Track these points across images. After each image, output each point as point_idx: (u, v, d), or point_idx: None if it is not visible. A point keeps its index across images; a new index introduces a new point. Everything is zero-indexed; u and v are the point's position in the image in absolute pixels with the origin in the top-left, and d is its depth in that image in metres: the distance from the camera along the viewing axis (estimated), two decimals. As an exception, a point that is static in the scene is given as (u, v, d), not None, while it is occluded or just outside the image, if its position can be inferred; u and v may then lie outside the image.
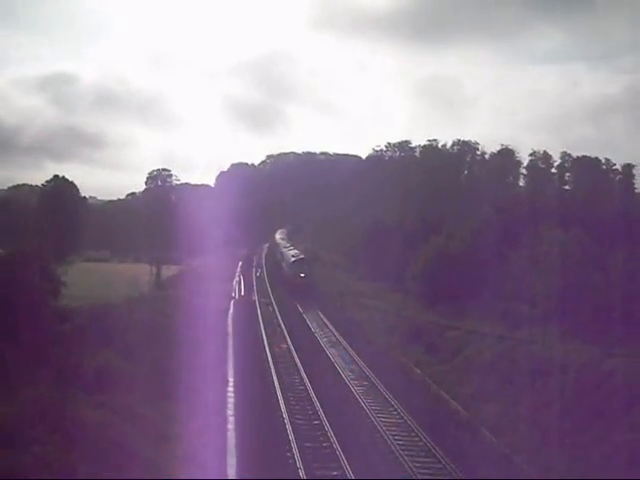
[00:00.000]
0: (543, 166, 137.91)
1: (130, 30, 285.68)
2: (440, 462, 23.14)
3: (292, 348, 39.45)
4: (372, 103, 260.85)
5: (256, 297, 59.10)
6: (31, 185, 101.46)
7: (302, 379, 32.87)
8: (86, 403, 20.35)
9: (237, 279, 69.84)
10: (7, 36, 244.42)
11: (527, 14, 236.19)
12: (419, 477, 21.78)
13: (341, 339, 42.74)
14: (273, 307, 54.57)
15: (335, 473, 21.72)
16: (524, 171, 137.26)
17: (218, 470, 20.42)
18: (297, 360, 36.57)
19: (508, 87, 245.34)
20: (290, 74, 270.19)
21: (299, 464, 21.89)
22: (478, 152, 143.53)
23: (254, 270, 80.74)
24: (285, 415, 26.84)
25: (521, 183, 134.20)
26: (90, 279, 46.39)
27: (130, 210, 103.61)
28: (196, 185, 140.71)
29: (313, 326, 47.23)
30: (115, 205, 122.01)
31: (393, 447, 24.35)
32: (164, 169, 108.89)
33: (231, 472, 20.62)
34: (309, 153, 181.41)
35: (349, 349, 40.08)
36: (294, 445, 23.50)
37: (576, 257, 37.34)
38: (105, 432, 18.42)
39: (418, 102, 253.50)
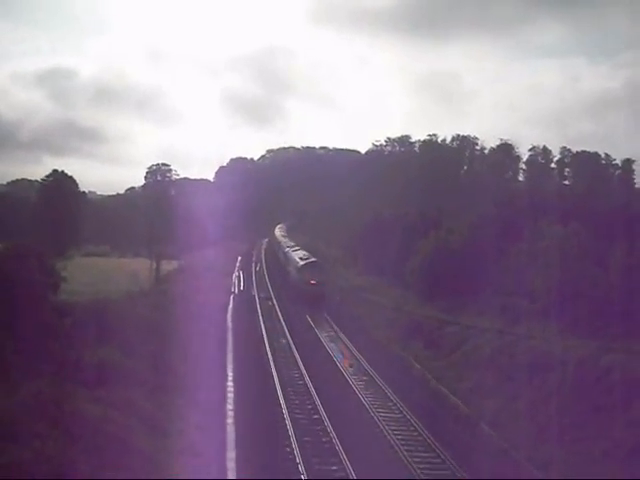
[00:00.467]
0: (542, 161, 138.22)
1: (129, 25, 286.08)
2: (439, 457, 23.23)
3: (291, 343, 39.48)
4: (372, 98, 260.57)
5: (255, 292, 59.15)
6: (30, 180, 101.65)
7: (302, 374, 32.92)
8: (86, 398, 20.34)
9: (237, 274, 69.83)
10: (6, 31, 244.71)
11: (527, 8, 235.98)
12: (418, 471, 21.84)
13: (341, 335, 42.83)
14: (272, 302, 54.60)
15: (334, 468, 21.78)
16: (523, 166, 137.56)
17: (218, 465, 20.46)
18: (296, 355, 36.61)
19: (508, 82, 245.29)
20: (289, 68, 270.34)
21: (298, 459, 21.96)
22: (477, 147, 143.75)
23: (253, 265, 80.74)
24: (285, 411, 26.91)
25: (520, 178, 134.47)
26: (90, 274, 46.38)
27: (130, 205, 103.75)
28: (195, 180, 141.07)
29: (312, 320, 47.27)
30: (115, 200, 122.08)
31: (392, 442, 24.44)
32: (163, 164, 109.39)
33: (230, 466, 20.66)
34: (309, 148, 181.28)
35: (348, 344, 40.18)
36: (293, 440, 23.57)
37: (575, 252, 37.34)
38: (105, 427, 18.42)
39: (417, 97, 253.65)
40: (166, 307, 38.92)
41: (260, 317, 47.12)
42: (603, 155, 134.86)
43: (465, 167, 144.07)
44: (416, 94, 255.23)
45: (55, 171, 79.20)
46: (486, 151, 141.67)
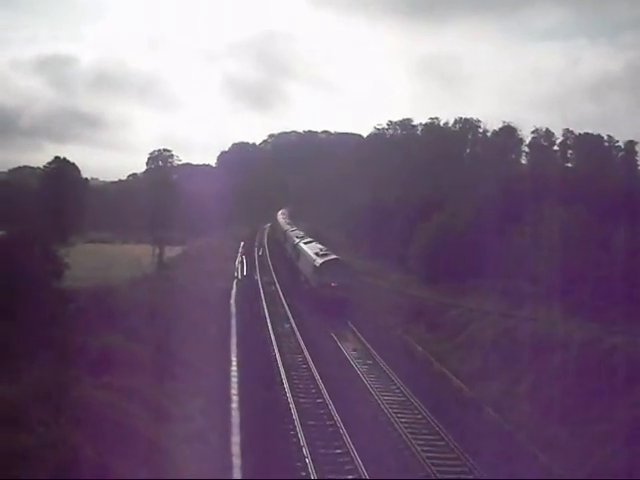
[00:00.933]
0: (545, 144, 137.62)
1: (128, 11, 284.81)
2: (443, 439, 23.32)
3: (296, 329, 39.51)
4: (373, 81, 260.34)
5: (258, 276, 59.22)
6: (32, 167, 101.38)
7: (305, 359, 32.99)
8: (90, 384, 20.42)
9: (240, 259, 69.88)
10: (6, 18, 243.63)
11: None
12: (422, 454, 21.91)
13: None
14: (276, 286, 54.65)
15: (339, 451, 21.86)
16: (526, 149, 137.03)
17: (222, 450, 20.56)
18: (301, 341, 36.66)
19: (509, 64, 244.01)
20: (290, 52, 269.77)
21: (302, 442, 22.03)
22: (480, 130, 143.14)
23: (256, 250, 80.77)
24: (289, 394, 26.99)
25: (523, 161, 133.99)
26: (93, 260, 46.40)
27: (132, 191, 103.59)
28: (197, 165, 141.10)
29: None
30: (117, 186, 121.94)
31: (397, 425, 24.54)
32: (165, 149, 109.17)
33: (235, 450, 20.75)
34: (310, 132, 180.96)
35: (353, 328, 40.25)
36: (297, 423, 23.66)
37: (578, 234, 37.29)
38: (109, 412, 18.49)
39: (419, 80, 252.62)
40: (169, 293, 38.96)
41: (263, 302, 47.17)
42: (606, 137, 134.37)
43: (468, 150, 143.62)
44: (417, 77, 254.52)
45: (57, 158, 79.12)
46: (488, 134, 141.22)
